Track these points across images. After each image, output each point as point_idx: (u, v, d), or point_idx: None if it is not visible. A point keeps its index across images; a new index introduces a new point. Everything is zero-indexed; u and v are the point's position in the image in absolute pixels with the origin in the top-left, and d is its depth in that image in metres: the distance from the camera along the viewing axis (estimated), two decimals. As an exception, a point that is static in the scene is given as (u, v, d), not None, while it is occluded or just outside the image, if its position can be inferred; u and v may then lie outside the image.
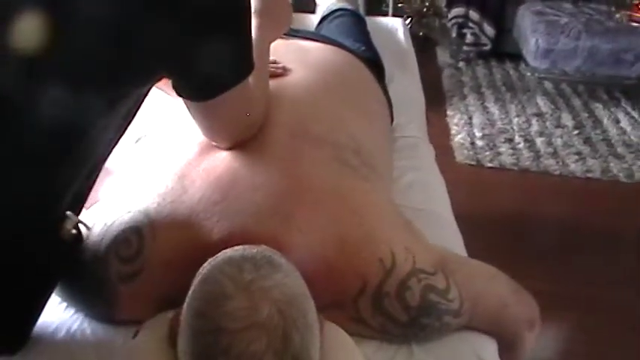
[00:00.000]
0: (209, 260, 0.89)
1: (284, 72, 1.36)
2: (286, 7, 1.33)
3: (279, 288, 0.83)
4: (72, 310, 1.12)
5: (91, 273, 1.05)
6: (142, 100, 1.03)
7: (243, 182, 1.05)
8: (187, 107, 1.04)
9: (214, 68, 0.95)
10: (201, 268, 0.89)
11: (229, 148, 1.11)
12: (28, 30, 0.77)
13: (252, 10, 1.23)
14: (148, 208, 1.06)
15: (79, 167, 0.98)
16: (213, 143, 1.13)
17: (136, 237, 1.03)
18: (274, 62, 1.37)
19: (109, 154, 1.05)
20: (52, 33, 0.77)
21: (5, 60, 0.78)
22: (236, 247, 0.90)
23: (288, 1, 1.35)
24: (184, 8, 0.88)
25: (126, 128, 1.05)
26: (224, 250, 0.90)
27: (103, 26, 0.81)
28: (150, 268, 1.02)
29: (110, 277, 1.04)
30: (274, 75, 1.33)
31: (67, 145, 0.92)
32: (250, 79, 1.05)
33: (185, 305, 0.86)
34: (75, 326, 1.08)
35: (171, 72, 0.96)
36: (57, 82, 0.81)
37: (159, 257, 1.02)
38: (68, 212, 0.98)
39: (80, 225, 1.03)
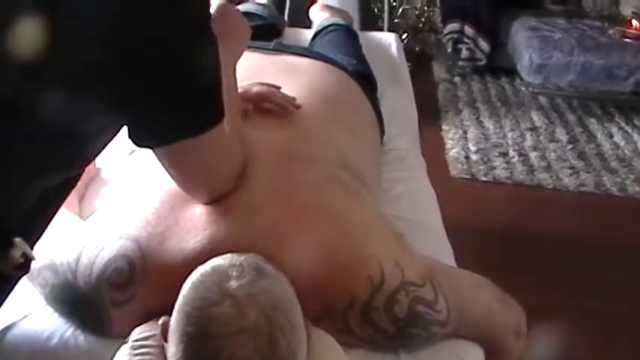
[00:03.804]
0: (198, 268, 0.92)
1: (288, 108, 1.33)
2: (240, 21, 1.26)
3: (266, 294, 0.86)
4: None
5: (82, 295, 1.07)
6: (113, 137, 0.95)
7: (238, 210, 1.05)
8: (157, 157, 0.97)
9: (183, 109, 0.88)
10: (190, 275, 0.91)
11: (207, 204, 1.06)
12: (27, 32, 0.77)
13: None
14: (138, 236, 1.06)
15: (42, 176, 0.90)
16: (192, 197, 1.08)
17: (127, 266, 1.04)
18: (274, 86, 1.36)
19: (74, 180, 0.99)
20: (50, 35, 0.76)
21: (3, 62, 0.77)
22: (224, 255, 0.93)
23: (240, 14, 1.28)
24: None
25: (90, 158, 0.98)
26: (213, 258, 0.93)
27: (103, 28, 0.80)
28: (141, 294, 1.04)
29: (103, 302, 1.05)
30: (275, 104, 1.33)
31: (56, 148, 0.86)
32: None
33: (174, 311, 0.89)
34: (68, 333, 1.10)
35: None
36: (56, 85, 0.80)
37: (150, 284, 1.03)
38: (17, 239, 0.88)
39: (28, 253, 0.90)
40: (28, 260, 0.89)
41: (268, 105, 1.31)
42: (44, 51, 0.76)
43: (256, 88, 1.33)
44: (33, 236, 0.95)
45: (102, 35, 0.79)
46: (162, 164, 0.98)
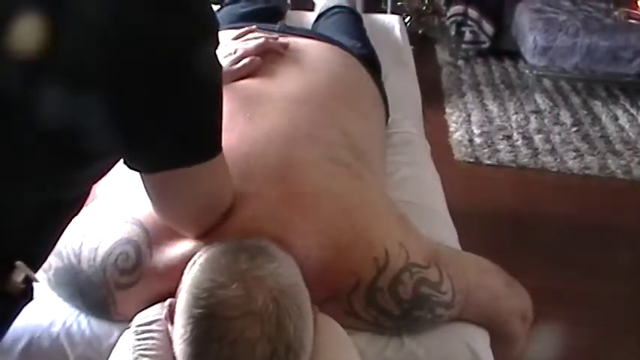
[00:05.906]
0: (205, 248, 0.91)
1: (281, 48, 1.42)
2: None
3: (274, 277, 0.85)
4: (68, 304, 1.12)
5: (86, 278, 1.06)
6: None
7: (238, 193, 1.03)
8: (144, 183, 0.91)
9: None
10: (196, 256, 0.90)
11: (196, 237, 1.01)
12: (26, 31, 0.76)
13: None
14: (145, 221, 1.04)
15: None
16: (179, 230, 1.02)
17: (133, 251, 1.03)
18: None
19: (80, 199, 0.91)
20: (51, 34, 0.75)
21: (4, 62, 0.75)
22: (231, 238, 0.92)
23: None
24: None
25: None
26: (219, 241, 0.92)
27: (104, 27, 0.77)
28: (146, 278, 1.03)
29: (107, 285, 1.04)
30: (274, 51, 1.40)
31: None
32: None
33: (181, 293, 0.88)
34: (71, 319, 1.09)
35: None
36: (55, 86, 0.77)
37: (156, 269, 1.02)
38: (18, 262, 0.82)
39: (31, 277, 0.84)
40: (30, 285, 0.84)
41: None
42: (43, 51, 0.74)
43: (253, 42, 1.39)
44: (36, 260, 0.89)
45: (101, 36, 0.77)
46: (149, 193, 0.92)
